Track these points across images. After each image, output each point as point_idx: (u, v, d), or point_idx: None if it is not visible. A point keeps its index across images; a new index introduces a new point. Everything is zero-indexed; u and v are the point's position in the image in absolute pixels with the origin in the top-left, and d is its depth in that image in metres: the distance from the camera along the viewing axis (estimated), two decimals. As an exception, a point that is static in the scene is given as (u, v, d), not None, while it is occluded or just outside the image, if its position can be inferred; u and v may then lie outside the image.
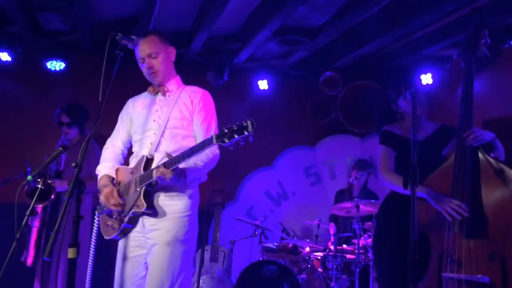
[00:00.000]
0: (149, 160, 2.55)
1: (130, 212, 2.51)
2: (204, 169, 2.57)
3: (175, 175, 2.36)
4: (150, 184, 2.48)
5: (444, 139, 2.97)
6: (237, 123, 2.14)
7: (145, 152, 2.60)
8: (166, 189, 2.54)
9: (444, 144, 2.97)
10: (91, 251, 2.61)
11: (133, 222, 2.58)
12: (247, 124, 2.11)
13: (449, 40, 4.80)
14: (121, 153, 2.81)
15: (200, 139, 2.59)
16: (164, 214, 2.53)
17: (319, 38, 4.87)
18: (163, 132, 2.60)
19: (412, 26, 4.42)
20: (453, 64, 5.38)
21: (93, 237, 2.60)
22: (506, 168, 2.54)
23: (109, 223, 2.65)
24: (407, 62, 5.40)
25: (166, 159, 2.40)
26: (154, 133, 2.62)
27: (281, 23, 4.42)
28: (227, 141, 2.13)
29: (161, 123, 2.61)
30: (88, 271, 2.58)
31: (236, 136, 2.12)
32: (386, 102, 3.26)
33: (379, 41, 4.87)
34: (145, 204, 2.45)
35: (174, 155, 2.39)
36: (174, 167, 2.34)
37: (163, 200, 2.55)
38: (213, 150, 2.57)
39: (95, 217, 2.71)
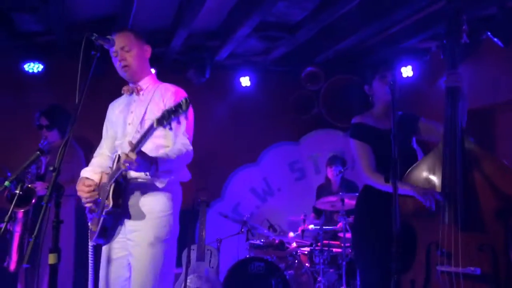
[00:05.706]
0: (120, 158, 2.47)
1: (103, 213, 2.47)
2: (177, 162, 2.45)
3: (142, 159, 2.26)
4: (118, 181, 2.44)
5: (406, 127, 2.90)
6: (176, 101, 2.14)
7: None
8: (139, 185, 2.51)
9: (408, 133, 2.93)
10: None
11: (111, 221, 2.54)
12: (182, 102, 2.09)
13: (427, 33, 4.83)
14: (108, 158, 2.78)
15: (170, 135, 2.56)
16: (143, 214, 2.50)
17: (299, 33, 4.87)
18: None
19: (391, 19, 4.44)
20: (432, 56, 5.44)
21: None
22: (491, 156, 2.55)
23: (91, 227, 2.62)
24: (388, 55, 5.43)
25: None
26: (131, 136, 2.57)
27: (261, 19, 4.40)
28: (165, 122, 2.11)
29: (137, 125, 2.58)
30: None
31: (173, 117, 2.10)
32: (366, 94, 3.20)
33: (358, 35, 4.89)
34: (111, 203, 2.40)
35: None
36: (137, 149, 2.26)
37: (140, 198, 2.51)
38: (186, 145, 2.50)
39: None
